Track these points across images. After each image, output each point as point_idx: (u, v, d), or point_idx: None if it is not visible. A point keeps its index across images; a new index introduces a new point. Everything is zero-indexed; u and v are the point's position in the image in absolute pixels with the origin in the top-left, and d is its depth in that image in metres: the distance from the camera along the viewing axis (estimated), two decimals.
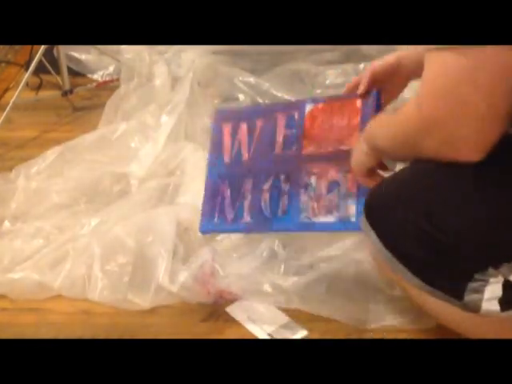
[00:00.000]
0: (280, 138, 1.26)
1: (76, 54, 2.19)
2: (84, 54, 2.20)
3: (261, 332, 1.25)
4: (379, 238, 1.00)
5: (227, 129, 1.29)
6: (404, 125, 0.95)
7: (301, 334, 1.24)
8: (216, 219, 1.31)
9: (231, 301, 1.30)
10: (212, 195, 1.32)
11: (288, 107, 1.25)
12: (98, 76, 2.19)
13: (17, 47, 2.41)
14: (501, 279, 0.94)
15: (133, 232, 1.35)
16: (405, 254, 0.98)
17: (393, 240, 0.99)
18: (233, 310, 1.29)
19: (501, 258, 0.93)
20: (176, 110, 1.66)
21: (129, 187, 1.55)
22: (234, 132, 1.28)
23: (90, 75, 2.20)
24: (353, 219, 1.20)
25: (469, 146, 0.89)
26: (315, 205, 1.24)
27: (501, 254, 0.93)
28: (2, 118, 1.81)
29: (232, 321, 1.28)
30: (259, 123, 1.27)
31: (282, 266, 1.32)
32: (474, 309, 0.96)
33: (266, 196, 1.29)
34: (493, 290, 0.95)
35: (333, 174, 1.24)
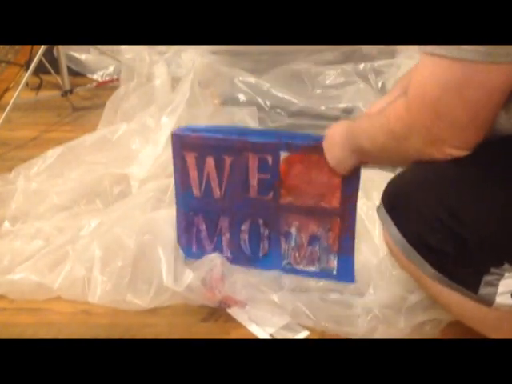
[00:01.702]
0: (254, 182, 1.25)
1: (76, 54, 2.20)
2: (84, 54, 2.21)
3: (262, 332, 1.24)
4: (398, 227, 1.00)
5: (191, 160, 1.25)
6: (391, 123, 0.97)
7: (302, 334, 1.24)
8: (195, 250, 1.35)
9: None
10: (186, 227, 1.33)
11: (259, 149, 1.21)
12: (97, 76, 2.20)
13: (17, 47, 2.42)
14: None
15: (133, 233, 1.35)
16: (423, 245, 0.98)
17: (412, 230, 0.98)
18: (234, 311, 1.29)
19: None
20: (176, 112, 1.65)
21: (129, 188, 1.55)
22: (200, 165, 1.25)
23: (89, 75, 2.20)
24: (334, 272, 1.28)
25: (451, 147, 0.93)
26: (297, 254, 1.30)
27: None
28: (2, 118, 1.81)
29: (232, 321, 1.27)
30: (228, 160, 1.24)
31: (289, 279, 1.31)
32: (488, 302, 0.97)
33: (245, 237, 1.31)
34: (507, 284, 0.95)
35: (313, 228, 1.27)
